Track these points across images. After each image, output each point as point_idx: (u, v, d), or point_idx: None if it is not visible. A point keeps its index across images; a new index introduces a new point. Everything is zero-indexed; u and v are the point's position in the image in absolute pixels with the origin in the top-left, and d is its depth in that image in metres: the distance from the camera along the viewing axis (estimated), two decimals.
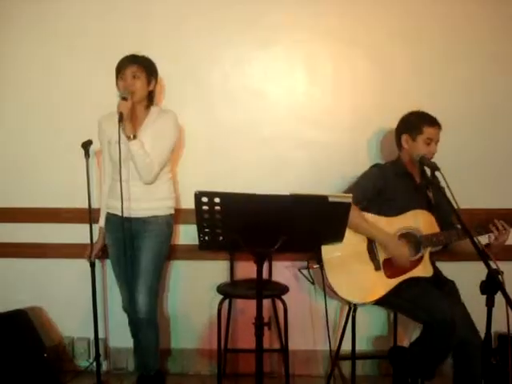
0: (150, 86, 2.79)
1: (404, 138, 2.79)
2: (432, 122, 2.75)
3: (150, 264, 2.76)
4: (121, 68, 2.74)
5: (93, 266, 2.89)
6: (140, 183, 2.73)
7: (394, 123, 2.87)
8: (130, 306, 2.82)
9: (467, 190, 2.95)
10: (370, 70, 3.14)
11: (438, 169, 2.57)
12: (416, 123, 2.75)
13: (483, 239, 2.55)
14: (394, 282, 2.67)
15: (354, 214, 2.50)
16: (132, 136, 2.64)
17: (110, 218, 2.84)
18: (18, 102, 3.18)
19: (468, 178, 3.12)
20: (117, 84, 2.76)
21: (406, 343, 2.98)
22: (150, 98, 2.83)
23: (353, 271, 2.68)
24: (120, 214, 2.65)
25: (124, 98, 2.64)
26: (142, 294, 2.74)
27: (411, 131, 2.76)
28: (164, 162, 2.76)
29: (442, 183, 2.53)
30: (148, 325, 2.80)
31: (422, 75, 3.13)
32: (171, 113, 2.81)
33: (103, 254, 2.97)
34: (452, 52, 3.13)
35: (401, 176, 2.81)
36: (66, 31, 3.11)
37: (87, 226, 2.86)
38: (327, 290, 2.70)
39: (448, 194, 2.38)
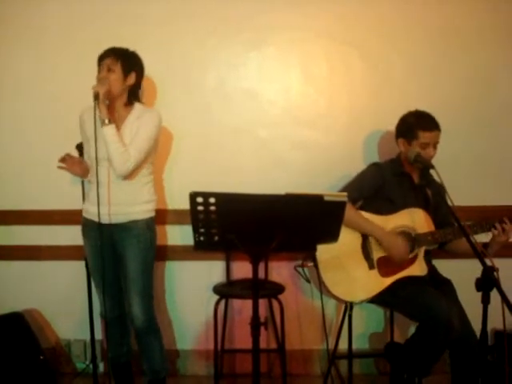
0: (128, 79, 2.60)
1: (400, 141, 2.77)
2: (428, 126, 2.67)
3: (138, 273, 2.65)
4: (99, 61, 2.61)
5: (87, 265, 2.85)
6: (120, 186, 2.60)
7: (390, 123, 2.86)
8: (112, 312, 2.79)
9: (466, 188, 2.98)
10: (365, 70, 3.13)
11: (432, 167, 2.54)
12: (411, 128, 2.70)
13: (479, 238, 2.55)
14: (389, 280, 2.67)
15: (350, 211, 2.50)
16: (107, 120, 2.48)
17: (87, 223, 2.70)
18: (12, 104, 3.16)
19: (466, 177, 3.13)
20: None
21: (402, 340, 2.98)
22: (133, 94, 2.66)
23: (347, 270, 2.68)
24: (97, 220, 2.55)
25: (96, 96, 2.46)
26: (136, 304, 2.66)
27: (406, 136, 2.72)
28: (140, 156, 2.56)
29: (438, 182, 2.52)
30: (148, 332, 2.73)
31: (418, 75, 3.13)
32: (155, 112, 2.67)
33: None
34: (449, 51, 3.12)
35: (398, 175, 2.79)
36: (61, 34, 3.10)
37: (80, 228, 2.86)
38: (322, 289, 2.70)
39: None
